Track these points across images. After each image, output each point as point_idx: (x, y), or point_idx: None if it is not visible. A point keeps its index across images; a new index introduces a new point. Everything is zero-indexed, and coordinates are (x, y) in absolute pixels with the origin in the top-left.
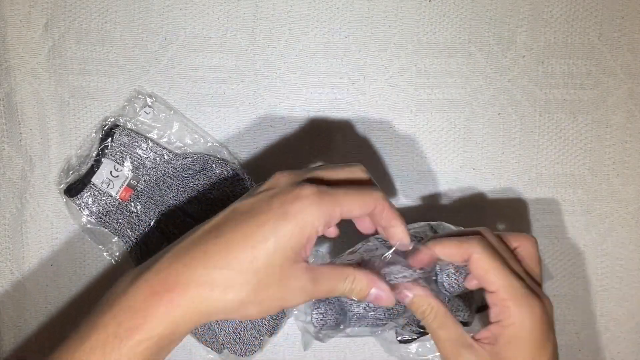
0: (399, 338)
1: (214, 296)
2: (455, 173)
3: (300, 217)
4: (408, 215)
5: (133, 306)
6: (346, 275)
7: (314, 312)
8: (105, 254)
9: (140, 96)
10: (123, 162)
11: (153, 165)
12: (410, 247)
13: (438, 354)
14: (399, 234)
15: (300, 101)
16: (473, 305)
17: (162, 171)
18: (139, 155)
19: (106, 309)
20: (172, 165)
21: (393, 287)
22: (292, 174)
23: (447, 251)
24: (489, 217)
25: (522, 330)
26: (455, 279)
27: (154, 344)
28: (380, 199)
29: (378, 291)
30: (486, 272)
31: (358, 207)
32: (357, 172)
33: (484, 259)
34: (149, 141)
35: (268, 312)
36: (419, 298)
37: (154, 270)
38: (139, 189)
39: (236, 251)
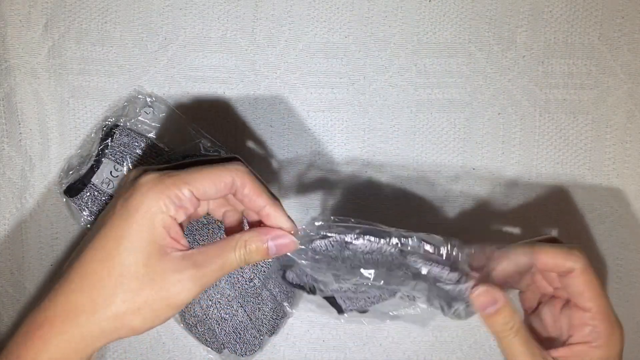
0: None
1: (82, 321)
2: (455, 173)
3: (142, 209)
4: (408, 214)
5: (10, 350)
6: (234, 244)
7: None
8: None
9: (140, 96)
10: (123, 162)
11: (153, 166)
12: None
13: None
14: (276, 219)
15: (300, 101)
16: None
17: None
18: (139, 155)
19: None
20: (171, 165)
21: (459, 294)
22: (142, 168)
23: (551, 260)
24: (489, 217)
25: (611, 356)
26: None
27: None
28: (239, 171)
29: (276, 241)
30: (586, 289)
31: (210, 183)
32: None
33: (587, 276)
34: (149, 141)
35: (156, 317)
36: (505, 309)
37: (30, 314)
38: None
39: (93, 268)
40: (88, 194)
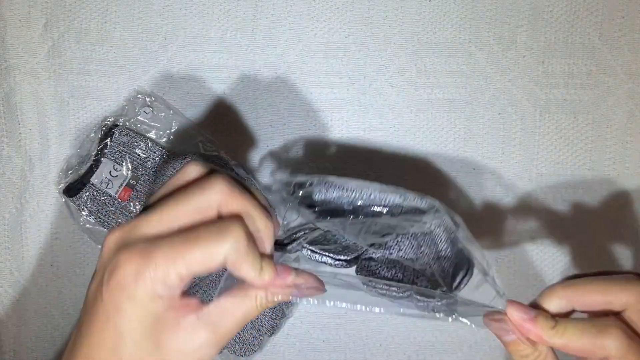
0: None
1: None
2: (455, 173)
3: (138, 299)
4: None
5: None
6: (253, 293)
7: None
8: None
9: (139, 96)
10: (122, 162)
11: (152, 165)
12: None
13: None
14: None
15: (300, 101)
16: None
17: (162, 171)
18: (139, 155)
19: None
20: (171, 165)
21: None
22: (120, 236)
23: (579, 342)
24: (489, 218)
25: None
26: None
27: None
28: (230, 256)
29: (297, 288)
30: None
31: (199, 267)
32: (190, 173)
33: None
34: (149, 141)
35: None
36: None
37: None
38: (138, 188)
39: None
40: (87, 193)
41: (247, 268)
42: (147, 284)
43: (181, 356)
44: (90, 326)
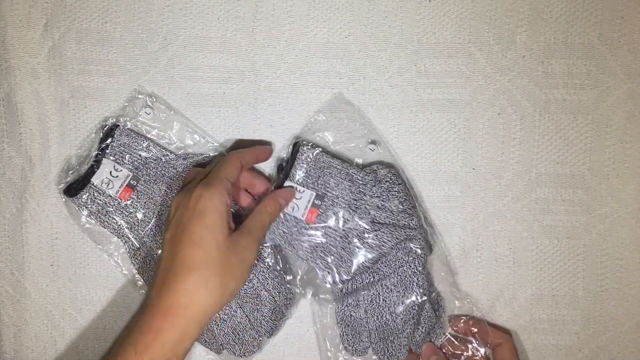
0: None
1: (200, 295)
2: (455, 173)
3: (212, 206)
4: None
5: (144, 328)
6: (262, 209)
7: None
8: (104, 254)
9: (140, 96)
10: (123, 162)
11: (153, 166)
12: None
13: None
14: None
15: (300, 101)
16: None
17: (162, 171)
18: (139, 155)
19: (125, 333)
20: (172, 165)
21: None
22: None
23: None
24: (489, 218)
25: None
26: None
27: (169, 351)
28: (238, 156)
29: (281, 195)
30: None
31: (233, 169)
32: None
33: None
34: (149, 141)
35: (241, 277)
36: None
37: (153, 298)
38: (138, 189)
39: (192, 256)
40: (88, 194)
41: (248, 159)
42: (220, 194)
43: (239, 246)
44: (184, 230)
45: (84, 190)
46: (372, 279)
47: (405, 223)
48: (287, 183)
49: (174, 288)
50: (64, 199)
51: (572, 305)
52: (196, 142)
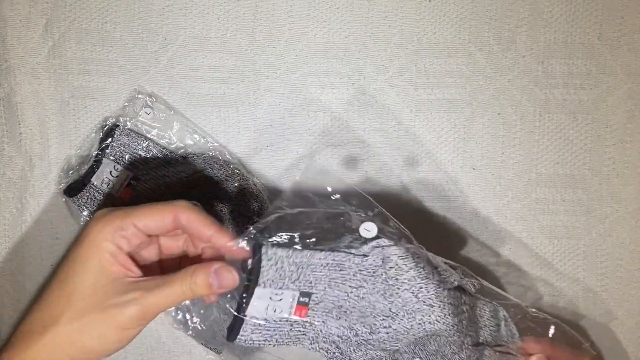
0: None
1: (35, 339)
2: (455, 173)
3: (90, 237)
4: (408, 215)
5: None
6: (182, 275)
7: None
8: None
9: (140, 96)
10: (123, 162)
11: (153, 166)
12: (241, 246)
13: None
14: (221, 239)
15: (300, 101)
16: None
17: (162, 172)
18: (139, 155)
19: None
20: (172, 165)
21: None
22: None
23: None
24: (489, 218)
25: None
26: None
27: None
28: (182, 207)
29: (219, 274)
30: None
31: (151, 217)
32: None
33: None
34: (149, 141)
35: (106, 339)
36: None
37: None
38: (138, 189)
39: (52, 287)
40: (88, 193)
41: (195, 217)
42: (104, 228)
43: (110, 301)
44: (62, 259)
45: (84, 190)
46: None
47: (424, 319)
48: (258, 290)
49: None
50: (64, 199)
51: (572, 305)
52: (196, 142)
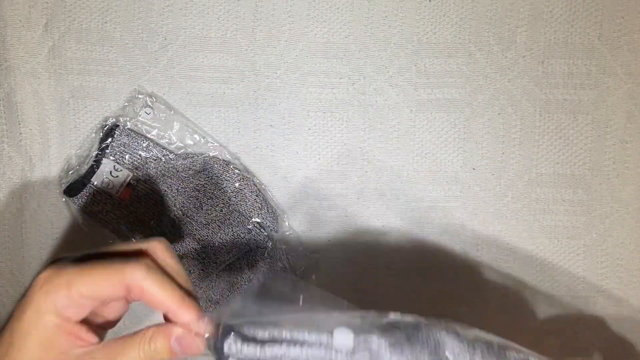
0: None
1: None
2: (455, 173)
3: (32, 310)
4: (407, 215)
5: None
6: (138, 340)
7: None
8: None
9: (140, 96)
10: (123, 162)
11: (153, 166)
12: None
13: None
14: (183, 316)
15: (300, 101)
16: None
17: (162, 171)
18: (139, 155)
19: None
20: (172, 165)
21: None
22: (52, 265)
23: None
24: (489, 218)
25: None
26: None
27: None
28: (136, 272)
29: (180, 341)
30: None
31: (100, 288)
32: (153, 246)
33: None
34: (149, 141)
35: None
36: None
37: None
38: (138, 189)
39: None
40: (88, 193)
41: (149, 288)
42: (47, 297)
43: None
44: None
45: (85, 190)
46: None
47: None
48: None
49: None
50: (64, 199)
51: (572, 305)
52: (196, 142)
